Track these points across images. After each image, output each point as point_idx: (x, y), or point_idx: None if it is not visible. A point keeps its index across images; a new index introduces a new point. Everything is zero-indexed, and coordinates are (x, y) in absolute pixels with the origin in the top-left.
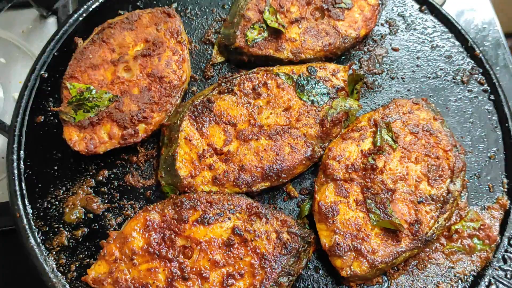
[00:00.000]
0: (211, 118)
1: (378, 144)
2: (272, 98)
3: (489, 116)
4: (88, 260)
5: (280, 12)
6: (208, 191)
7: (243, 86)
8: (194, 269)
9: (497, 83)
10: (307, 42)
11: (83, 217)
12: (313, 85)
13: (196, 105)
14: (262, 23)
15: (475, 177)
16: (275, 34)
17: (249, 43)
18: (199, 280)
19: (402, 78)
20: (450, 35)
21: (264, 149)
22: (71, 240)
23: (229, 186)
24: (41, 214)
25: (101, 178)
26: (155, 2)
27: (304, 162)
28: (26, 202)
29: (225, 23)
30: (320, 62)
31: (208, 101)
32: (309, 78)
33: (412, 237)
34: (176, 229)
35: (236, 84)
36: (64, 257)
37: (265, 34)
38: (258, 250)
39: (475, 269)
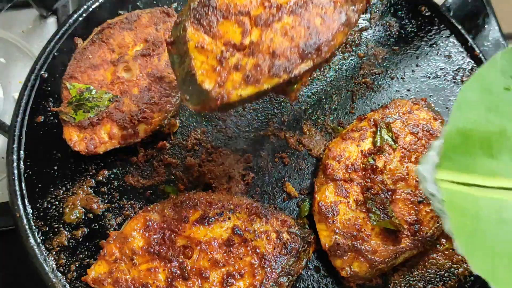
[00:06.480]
0: (217, 16)
1: (378, 144)
2: None
3: None
4: (88, 260)
5: None
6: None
7: None
8: (194, 269)
9: None
10: None
11: (83, 217)
12: None
13: (195, 7)
14: None
15: None
16: None
17: None
18: (199, 280)
19: (402, 78)
20: (450, 35)
21: (292, 26)
22: (71, 240)
23: (266, 79)
24: (41, 214)
25: (101, 178)
26: (155, 2)
27: (341, 29)
28: (26, 202)
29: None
30: None
31: None
32: None
33: (412, 237)
34: (176, 229)
35: None
36: (64, 257)
37: None
38: (258, 250)
39: None
